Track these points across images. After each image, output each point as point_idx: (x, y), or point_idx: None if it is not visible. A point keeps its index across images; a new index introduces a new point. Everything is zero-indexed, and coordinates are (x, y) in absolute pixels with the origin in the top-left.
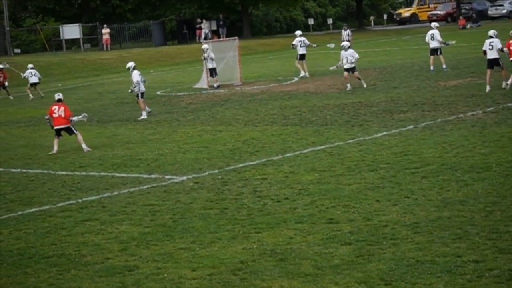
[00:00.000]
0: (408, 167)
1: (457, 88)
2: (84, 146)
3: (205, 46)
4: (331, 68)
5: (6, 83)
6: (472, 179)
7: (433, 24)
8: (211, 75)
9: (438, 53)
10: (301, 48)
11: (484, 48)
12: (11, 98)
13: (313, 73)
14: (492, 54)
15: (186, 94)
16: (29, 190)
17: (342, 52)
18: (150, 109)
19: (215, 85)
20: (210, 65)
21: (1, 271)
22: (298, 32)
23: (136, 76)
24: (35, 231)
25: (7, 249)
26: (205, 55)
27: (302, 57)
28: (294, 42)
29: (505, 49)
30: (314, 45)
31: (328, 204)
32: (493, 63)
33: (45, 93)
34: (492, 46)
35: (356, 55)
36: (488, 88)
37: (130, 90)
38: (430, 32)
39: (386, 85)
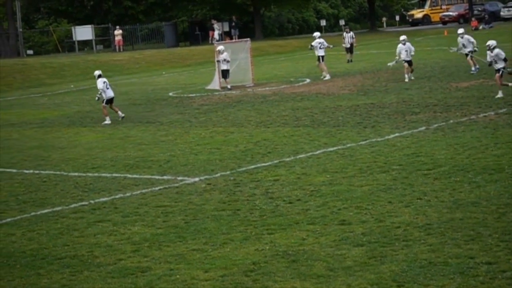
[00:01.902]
0: (420, 168)
1: (469, 90)
2: None
3: (220, 47)
4: (390, 64)
5: None
6: (485, 180)
7: (462, 30)
8: (224, 76)
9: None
10: (321, 50)
11: None
12: None
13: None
14: None
15: (198, 96)
16: (41, 191)
17: (400, 45)
18: (121, 114)
19: (228, 86)
20: (224, 67)
21: (14, 272)
22: (317, 34)
23: (100, 83)
24: (47, 232)
25: (20, 250)
26: (222, 56)
27: (322, 59)
28: (313, 44)
29: None
30: (331, 46)
31: (340, 206)
32: None
33: (58, 95)
34: None
35: (413, 48)
36: None
37: (96, 98)
38: (467, 36)
39: (398, 87)
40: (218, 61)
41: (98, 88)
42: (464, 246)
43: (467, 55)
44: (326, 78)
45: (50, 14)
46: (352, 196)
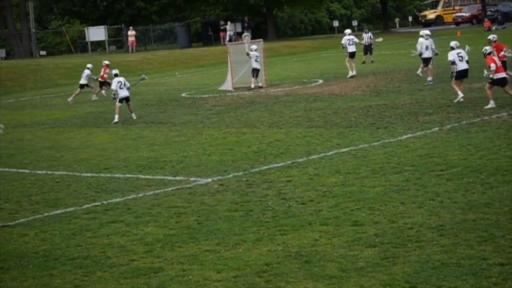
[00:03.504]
0: (433, 169)
1: (482, 90)
2: None
3: (254, 46)
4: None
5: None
6: (497, 181)
7: (428, 32)
8: (254, 75)
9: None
10: (350, 46)
11: None
12: (93, 98)
13: (338, 75)
14: None
15: (211, 96)
16: (54, 191)
17: (423, 40)
18: (134, 116)
19: (253, 85)
20: (255, 65)
21: (27, 272)
22: (348, 31)
23: (114, 84)
24: (60, 232)
25: (33, 251)
26: (256, 53)
27: (352, 55)
28: (342, 42)
29: (492, 64)
30: (364, 41)
31: (353, 207)
32: None
33: (70, 95)
34: None
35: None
36: None
37: (112, 98)
38: (432, 40)
39: (411, 87)
40: (248, 53)
41: (112, 88)
42: (477, 247)
43: (425, 61)
44: (350, 75)
45: (63, 15)
46: (364, 197)
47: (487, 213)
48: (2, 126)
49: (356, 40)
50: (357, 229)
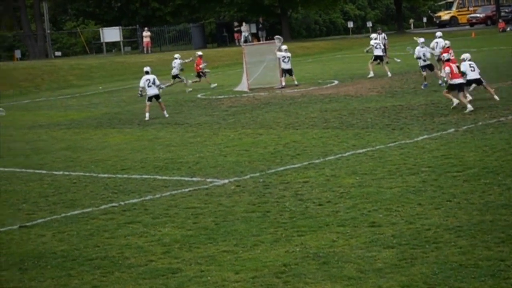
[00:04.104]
0: (449, 170)
1: (498, 91)
2: None
3: (284, 46)
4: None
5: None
6: None
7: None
8: (284, 75)
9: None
10: (377, 50)
11: None
12: (212, 86)
13: (353, 76)
14: None
15: (226, 97)
16: (71, 192)
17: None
18: (166, 115)
19: (283, 84)
20: (283, 66)
21: (45, 273)
22: (374, 35)
23: (142, 81)
24: (78, 233)
25: (50, 251)
26: (283, 53)
27: (377, 58)
28: (372, 42)
29: (446, 69)
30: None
31: (370, 208)
32: None
33: (86, 96)
34: None
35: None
36: None
37: (138, 95)
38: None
39: (426, 88)
40: (279, 57)
41: (140, 85)
42: (494, 249)
43: (423, 68)
44: (370, 75)
45: (78, 16)
46: (381, 198)
47: (504, 214)
48: (2, 109)
49: (381, 45)
50: (375, 230)
